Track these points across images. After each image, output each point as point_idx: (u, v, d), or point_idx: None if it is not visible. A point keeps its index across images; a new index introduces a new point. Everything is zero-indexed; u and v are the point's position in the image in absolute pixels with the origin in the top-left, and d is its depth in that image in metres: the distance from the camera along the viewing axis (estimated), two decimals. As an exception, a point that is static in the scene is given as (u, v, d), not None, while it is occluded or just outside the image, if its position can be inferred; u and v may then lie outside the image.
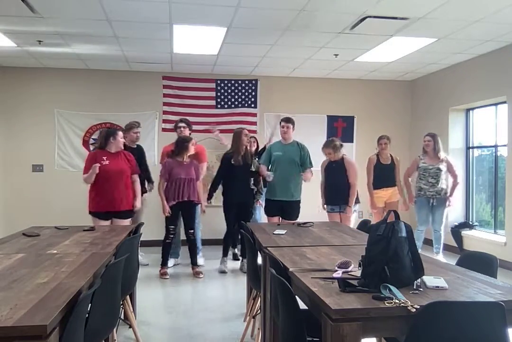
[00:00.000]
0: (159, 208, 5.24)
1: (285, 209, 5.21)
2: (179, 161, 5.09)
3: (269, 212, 5.33)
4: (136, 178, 4.78)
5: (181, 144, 5.10)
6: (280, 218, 5.25)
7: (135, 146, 5.60)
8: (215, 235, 6.21)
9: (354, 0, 4.14)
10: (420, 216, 5.79)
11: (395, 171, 5.95)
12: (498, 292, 1.87)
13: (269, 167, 5.30)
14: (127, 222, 4.67)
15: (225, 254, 5.45)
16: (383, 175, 5.89)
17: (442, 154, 5.70)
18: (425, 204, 5.72)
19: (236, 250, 5.96)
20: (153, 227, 5.72)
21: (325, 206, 5.42)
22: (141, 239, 3.58)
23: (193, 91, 7.17)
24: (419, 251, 5.59)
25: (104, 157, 4.52)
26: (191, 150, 5.12)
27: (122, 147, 4.70)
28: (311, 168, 5.26)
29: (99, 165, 4.41)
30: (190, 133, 5.61)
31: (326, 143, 5.35)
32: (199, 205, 5.33)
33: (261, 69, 6.93)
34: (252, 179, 5.40)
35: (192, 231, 5.22)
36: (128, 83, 7.02)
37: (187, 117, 7.10)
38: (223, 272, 5.32)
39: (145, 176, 5.48)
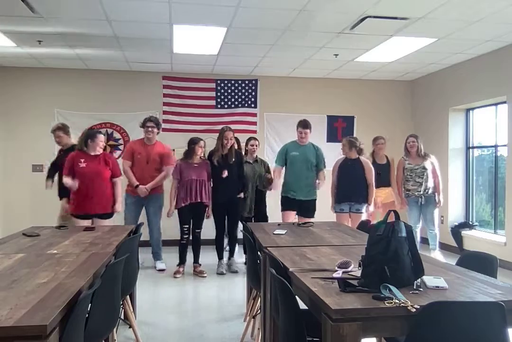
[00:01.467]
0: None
1: (302, 207, 5.26)
2: (189, 163, 5.13)
3: (285, 205, 5.28)
4: (117, 180, 4.69)
5: (189, 146, 5.18)
6: (297, 215, 5.27)
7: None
8: (211, 236, 6.17)
9: (354, 0, 4.13)
10: (412, 216, 5.82)
11: (390, 171, 5.97)
12: (498, 292, 1.87)
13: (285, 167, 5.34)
14: (107, 222, 4.56)
15: (220, 257, 5.42)
16: (379, 174, 5.86)
17: (423, 154, 5.76)
18: (414, 204, 5.77)
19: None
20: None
21: (334, 206, 5.38)
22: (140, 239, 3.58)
23: (193, 91, 7.18)
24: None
25: (82, 160, 4.46)
26: (199, 152, 5.14)
27: (101, 151, 4.56)
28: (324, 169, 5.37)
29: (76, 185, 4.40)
30: (158, 133, 5.42)
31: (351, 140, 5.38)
32: (206, 208, 5.26)
33: (261, 69, 6.92)
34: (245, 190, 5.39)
35: (198, 230, 5.26)
36: (128, 83, 7.02)
37: (187, 117, 7.15)
38: (221, 273, 5.29)
39: None
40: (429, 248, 5.78)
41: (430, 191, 5.69)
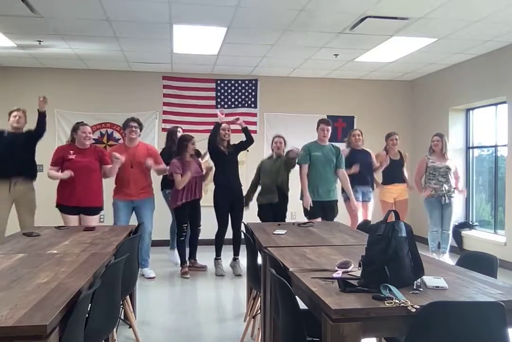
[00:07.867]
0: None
1: (326, 209, 5.19)
2: (184, 161, 5.05)
3: (312, 214, 5.14)
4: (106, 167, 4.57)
5: (181, 144, 5.08)
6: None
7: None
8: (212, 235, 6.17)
9: (354, 0, 4.14)
10: (433, 217, 5.70)
11: (403, 167, 5.91)
12: (498, 292, 1.87)
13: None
14: (95, 218, 4.50)
15: (218, 255, 5.34)
16: (393, 170, 5.84)
17: (448, 155, 5.70)
18: (436, 204, 5.66)
19: None
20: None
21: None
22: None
23: (193, 91, 7.18)
24: (430, 251, 5.60)
25: (71, 151, 4.45)
26: (191, 149, 5.09)
27: (88, 143, 4.50)
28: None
29: (70, 174, 4.32)
30: (139, 135, 5.08)
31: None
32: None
33: (261, 69, 6.92)
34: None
35: (199, 227, 5.30)
36: (128, 83, 7.02)
37: (187, 117, 7.14)
38: (221, 275, 5.21)
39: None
40: (439, 251, 5.70)
41: (452, 191, 5.61)
